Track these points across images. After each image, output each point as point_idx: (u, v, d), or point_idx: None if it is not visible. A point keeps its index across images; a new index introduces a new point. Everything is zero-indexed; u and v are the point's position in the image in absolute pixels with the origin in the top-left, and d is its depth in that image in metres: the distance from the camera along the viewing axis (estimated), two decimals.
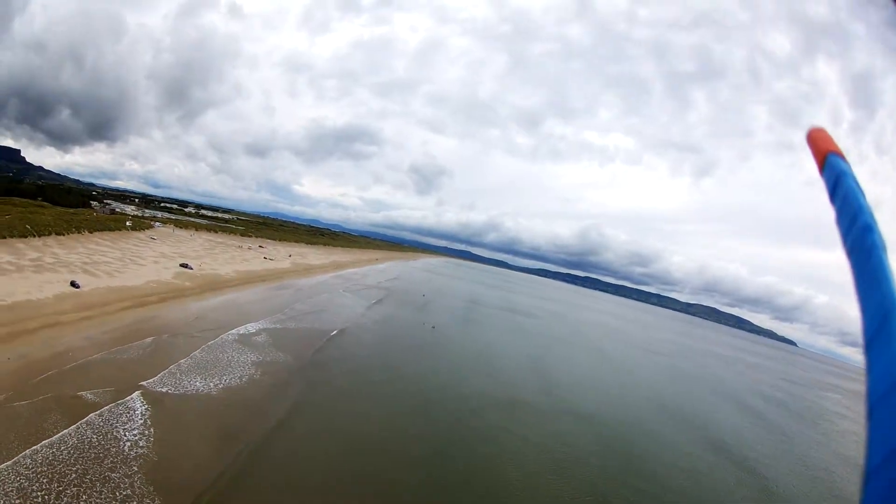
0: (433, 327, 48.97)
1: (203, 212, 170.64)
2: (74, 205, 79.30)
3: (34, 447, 15.92)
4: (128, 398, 21.19)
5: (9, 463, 14.80)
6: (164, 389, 22.76)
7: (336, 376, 29.21)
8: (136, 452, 17.23)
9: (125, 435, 18.31)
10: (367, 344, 38.06)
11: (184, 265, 52.13)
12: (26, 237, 47.22)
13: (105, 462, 16.20)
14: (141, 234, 71.65)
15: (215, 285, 48.44)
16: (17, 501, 13.39)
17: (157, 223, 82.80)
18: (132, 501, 14.59)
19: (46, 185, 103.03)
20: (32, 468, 14.82)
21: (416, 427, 23.84)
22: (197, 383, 24.24)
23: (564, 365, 43.81)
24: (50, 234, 51.71)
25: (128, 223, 71.96)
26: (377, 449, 20.69)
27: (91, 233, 60.05)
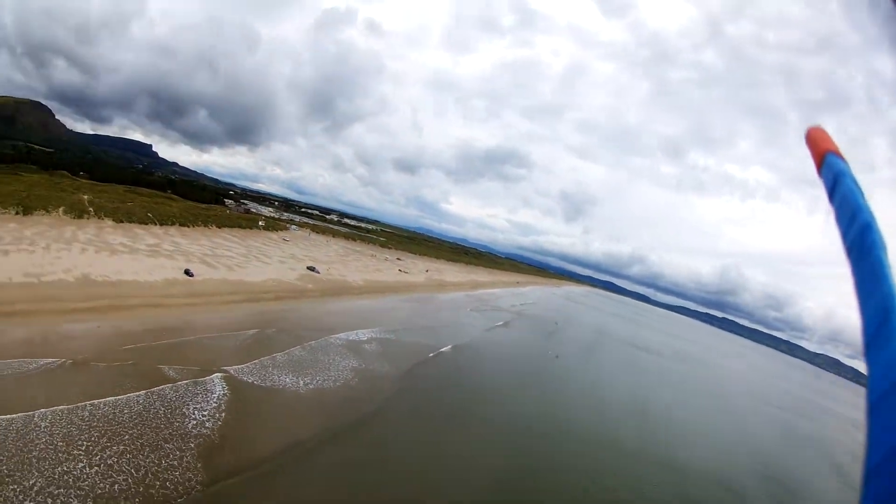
0: (556, 356, 57.89)
1: (346, 220, 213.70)
2: (207, 201, 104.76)
3: (96, 401, 20.64)
4: (208, 378, 26.54)
5: (67, 407, 18.90)
6: (248, 379, 27.37)
7: (426, 392, 33.96)
8: (197, 430, 21.64)
9: (193, 412, 22.95)
10: (473, 364, 44.48)
11: (311, 268, 63.69)
12: (146, 224, 63.16)
13: (162, 431, 20.91)
14: (273, 235, 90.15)
15: (339, 291, 57.32)
16: (62, 444, 16.73)
17: (294, 226, 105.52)
18: (174, 472, 16.77)
19: (178, 180, 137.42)
20: (88, 419, 19.08)
21: (490, 457, 27.20)
22: (285, 378, 29.49)
23: (673, 409, 53.01)
24: (173, 224, 68.02)
25: (260, 223, 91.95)
26: (438, 477, 23.60)
27: (219, 228, 77.33)
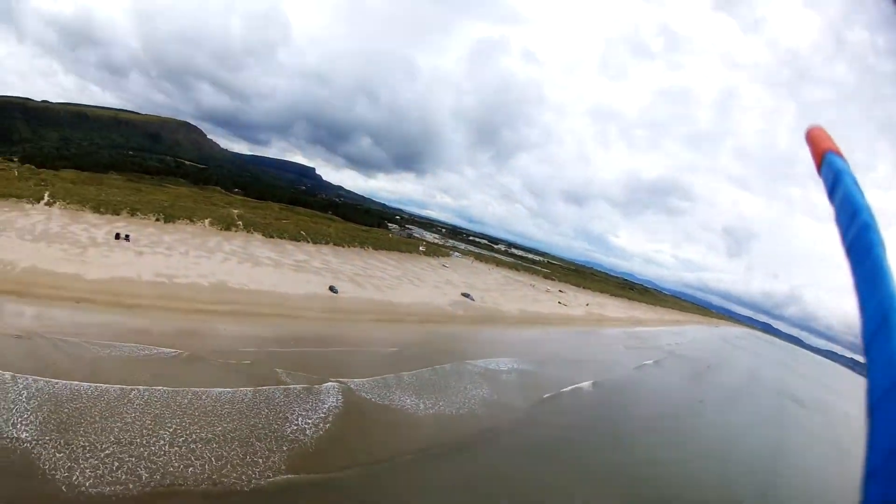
0: (701, 401, 65.54)
1: (513, 251, 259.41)
2: (369, 224, 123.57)
3: (198, 389, 29.65)
4: (323, 387, 33.76)
5: (166, 389, 28.13)
6: (366, 394, 34.15)
7: (549, 426, 39.41)
8: (294, 435, 27.39)
9: (296, 418, 29.19)
10: (608, 402, 51.16)
11: (465, 294, 73.00)
12: (298, 241, 77.04)
13: (257, 430, 27.06)
14: (432, 260, 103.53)
15: (490, 319, 65.39)
16: (149, 420, 25.70)
17: (456, 253, 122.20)
18: (253, 468, 23.97)
19: (342, 202, 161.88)
20: (184, 404, 28.13)
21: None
22: (405, 398, 35.44)
23: (809, 474, 56.44)
24: (327, 243, 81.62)
25: (421, 248, 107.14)
26: None
27: (376, 250, 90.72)
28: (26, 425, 25.04)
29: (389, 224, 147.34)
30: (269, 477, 24.28)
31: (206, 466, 23.88)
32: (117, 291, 46.23)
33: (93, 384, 29.36)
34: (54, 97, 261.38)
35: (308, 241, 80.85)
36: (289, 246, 75.35)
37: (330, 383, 34.82)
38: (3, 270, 46.43)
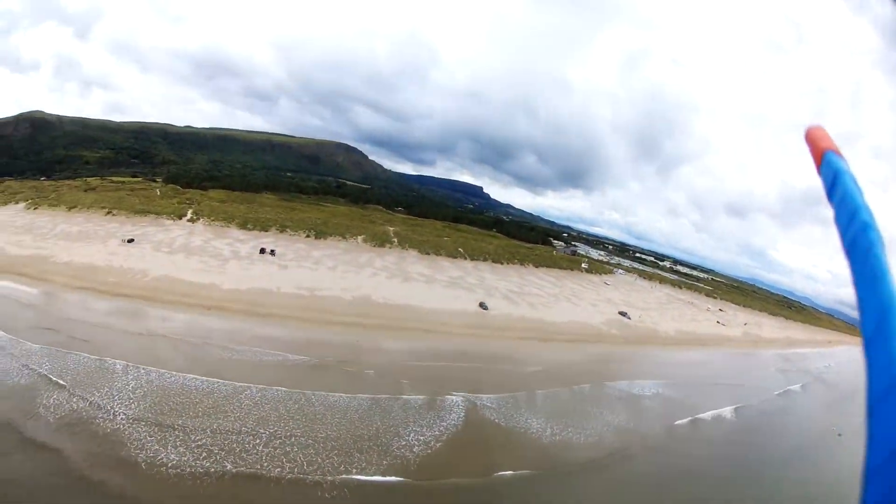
0: (840, 434, 60.26)
1: (678, 268, 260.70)
2: (533, 241, 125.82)
3: (309, 391, 32.51)
4: (446, 400, 34.77)
5: (283, 390, 32.11)
6: (490, 414, 34.85)
7: (676, 456, 37.71)
8: (399, 451, 28.45)
9: (408, 432, 30.30)
10: (745, 430, 49.39)
11: (623, 313, 72.94)
12: (455, 258, 78.64)
13: (361, 440, 28.72)
14: (594, 278, 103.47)
15: (644, 339, 65.12)
16: (251, 421, 28.18)
17: (620, 271, 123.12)
18: (345, 477, 25.08)
19: (508, 220, 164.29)
20: (297, 409, 30.88)
21: None
22: (531, 418, 35.38)
23: None
24: (485, 260, 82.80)
25: (583, 265, 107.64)
26: None
27: (536, 267, 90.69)
28: (128, 405, 29.62)
29: (555, 241, 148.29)
30: (356, 486, 25.21)
31: (294, 470, 25.49)
32: (252, 301, 50.51)
33: (205, 378, 33.19)
34: (197, 123, 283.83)
35: (465, 258, 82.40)
36: (444, 262, 77.41)
37: (454, 397, 35.53)
38: (134, 278, 53.24)
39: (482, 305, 58.44)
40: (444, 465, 27.64)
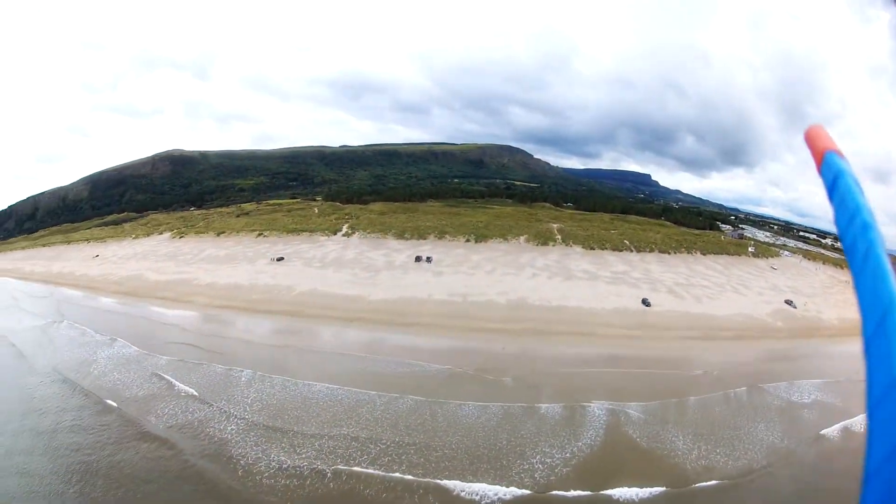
0: None
1: (838, 244, 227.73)
2: (701, 227, 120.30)
3: (420, 397, 32.13)
4: (584, 409, 32.14)
5: (389, 395, 30.34)
6: (629, 427, 31.20)
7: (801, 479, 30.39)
8: (519, 465, 26.26)
9: (534, 445, 27.97)
10: None
11: (788, 302, 65.27)
12: (621, 251, 75.54)
13: (476, 449, 27.04)
14: (760, 262, 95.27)
15: (810, 331, 57.52)
16: (360, 428, 27.49)
17: (786, 252, 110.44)
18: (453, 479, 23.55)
19: (674, 207, 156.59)
20: (432, 417, 29.99)
21: None
22: (678, 436, 30.87)
23: None
24: (652, 250, 78.28)
25: (750, 249, 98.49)
26: None
27: (704, 255, 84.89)
28: (249, 411, 31.33)
29: (722, 225, 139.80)
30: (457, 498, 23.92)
31: (405, 475, 24.70)
32: (399, 311, 50.15)
33: (334, 387, 33.64)
34: (353, 142, 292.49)
35: (632, 251, 78.03)
36: (610, 257, 73.63)
37: (596, 406, 32.48)
38: (279, 294, 54.59)
39: (644, 302, 54.38)
40: (566, 480, 25.22)
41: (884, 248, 1.52)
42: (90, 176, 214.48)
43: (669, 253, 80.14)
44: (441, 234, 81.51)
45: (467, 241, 79.05)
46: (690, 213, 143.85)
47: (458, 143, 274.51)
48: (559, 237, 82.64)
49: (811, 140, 2.00)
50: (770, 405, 37.04)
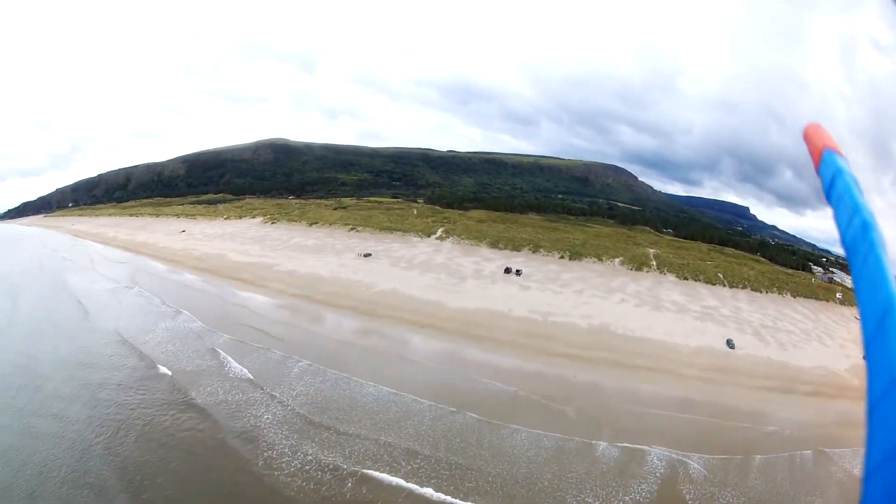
0: None
1: None
2: (794, 266, 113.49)
3: (515, 426, 30.95)
4: (643, 453, 30.44)
5: (470, 415, 29.60)
6: (686, 482, 29.34)
7: None
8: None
9: (580, 487, 26.61)
10: None
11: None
12: (714, 284, 72.13)
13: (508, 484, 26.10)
14: (846, 311, 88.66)
15: None
16: (424, 432, 28.08)
17: None
18: None
19: (769, 243, 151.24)
20: (483, 437, 29.36)
21: None
22: (733, 489, 29.03)
23: None
24: (744, 287, 75.16)
25: (838, 295, 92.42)
26: None
27: (794, 297, 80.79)
28: (296, 398, 32.28)
29: (814, 267, 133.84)
30: None
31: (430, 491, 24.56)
32: (474, 322, 49.06)
33: (385, 389, 33.82)
34: (460, 147, 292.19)
35: (724, 285, 74.58)
36: (702, 289, 70.50)
37: (655, 453, 30.57)
38: (357, 290, 54.43)
39: (729, 343, 51.34)
40: None
41: (884, 247, 1.51)
42: (187, 155, 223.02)
43: (761, 291, 76.51)
44: (536, 248, 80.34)
45: (561, 257, 77.62)
46: (785, 251, 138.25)
47: (565, 158, 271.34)
48: (654, 263, 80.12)
49: (810, 138, 2.02)
50: (832, 475, 34.28)
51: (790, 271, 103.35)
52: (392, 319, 48.23)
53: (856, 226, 1.59)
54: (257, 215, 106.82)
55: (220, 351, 38.98)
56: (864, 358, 1.41)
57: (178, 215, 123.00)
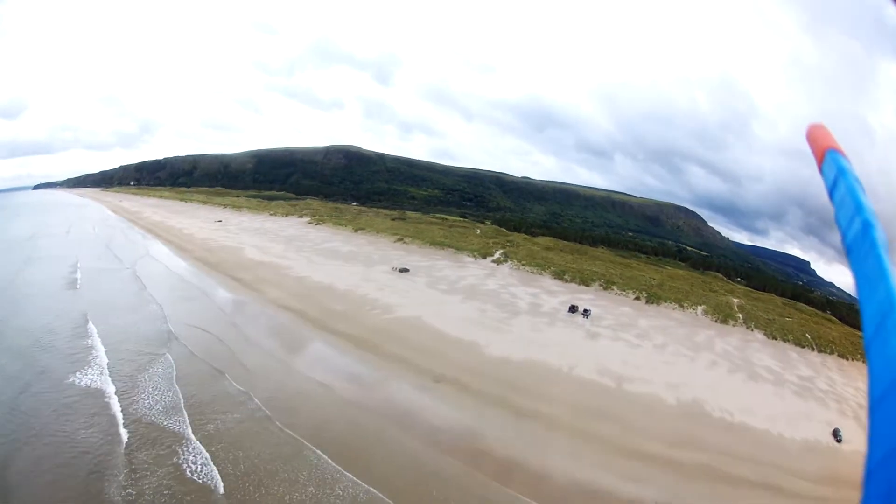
0: None
1: None
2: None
3: None
4: None
5: None
6: None
7: None
8: None
9: None
10: None
11: None
12: (802, 346, 58.50)
13: None
14: None
15: None
16: None
17: None
18: None
19: (835, 301, 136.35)
20: None
21: None
22: None
23: None
24: (832, 353, 59.21)
25: None
26: None
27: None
28: None
29: None
30: None
31: None
32: (516, 381, 32.73)
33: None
34: (534, 174, 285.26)
35: (812, 349, 57.61)
36: (792, 353, 54.42)
37: None
38: (370, 311, 40.83)
39: (836, 434, 34.16)
40: None
41: (885, 247, 1.44)
42: (257, 151, 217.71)
43: (847, 359, 59.55)
44: (608, 285, 64.29)
45: (637, 298, 60.95)
46: (854, 311, 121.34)
47: (637, 195, 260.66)
48: (740, 316, 63.35)
49: (813, 139, 1.97)
50: None
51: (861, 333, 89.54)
52: (399, 363, 32.84)
53: (857, 225, 1.53)
54: (305, 215, 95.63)
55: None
56: (866, 358, 1.34)
57: (225, 205, 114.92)
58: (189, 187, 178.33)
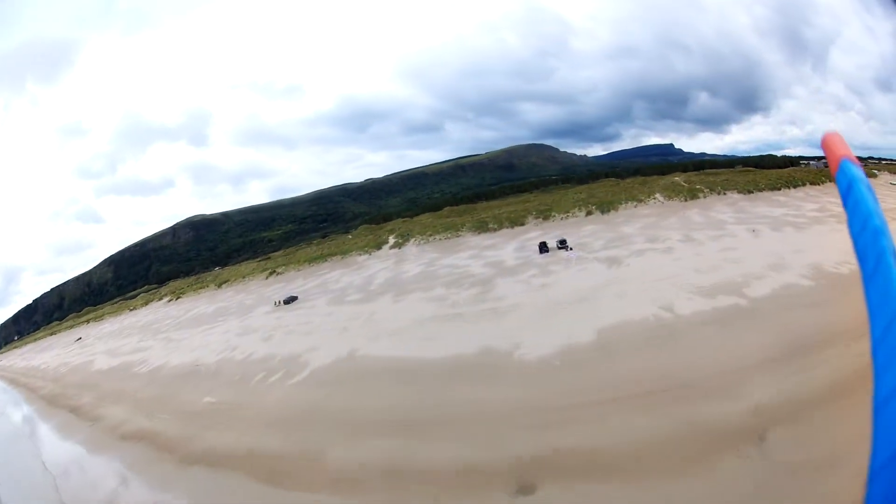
0: None
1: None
2: (782, 166, 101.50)
3: None
4: None
5: None
6: None
7: None
8: None
9: None
10: None
11: None
12: (779, 189, 57.74)
13: None
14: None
15: None
16: None
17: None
18: None
19: (733, 159, 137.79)
20: None
21: None
22: None
23: None
24: (803, 184, 59.77)
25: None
26: None
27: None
28: None
29: (803, 162, 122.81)
30: None
31: None
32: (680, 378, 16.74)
33: None
34: (376, 174, 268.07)
35: (789, 188, 58.65)
36: (781, 198, 52.62)
37: None
38: (262, 385, 22.47)
39: None
40: None
41: (895, 254, 1.43)
42: (112, 257, 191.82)
43: (818, 185, 58.04)
44: (544, 215, 51.15)
45: (589, 213, 49.05)
46: (765, 159, 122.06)
47: (483, 152, 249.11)
48: (701, 188, 56.96)
49: (828, 147, 1.96)
50: None
51: (788, 169, 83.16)
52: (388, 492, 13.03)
53: (869, 232, 1.52)
54: (165, 296, 79.23)
55: None
56: (872, 362, 1.31)
57: (88, 321, 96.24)
58: (62, 320, 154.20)
